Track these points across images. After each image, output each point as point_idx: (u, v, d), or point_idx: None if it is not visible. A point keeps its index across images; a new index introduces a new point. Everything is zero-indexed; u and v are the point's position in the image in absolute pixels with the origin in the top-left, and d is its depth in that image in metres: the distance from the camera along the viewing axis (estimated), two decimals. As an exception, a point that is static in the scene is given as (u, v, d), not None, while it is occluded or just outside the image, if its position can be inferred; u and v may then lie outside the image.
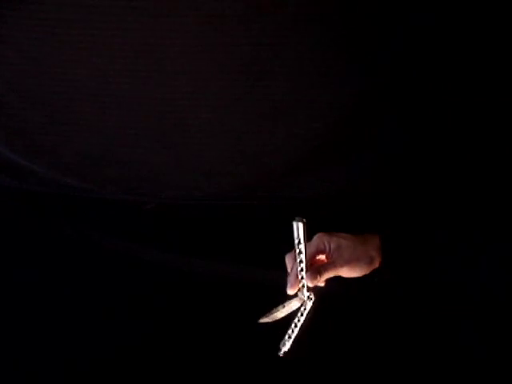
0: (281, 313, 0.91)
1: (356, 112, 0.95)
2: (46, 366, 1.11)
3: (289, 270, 0.91)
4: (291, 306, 0.91)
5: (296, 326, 0.90)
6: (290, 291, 0.90)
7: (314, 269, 0.89)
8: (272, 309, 0.91)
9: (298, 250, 0.88)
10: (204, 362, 1.11)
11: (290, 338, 0.90)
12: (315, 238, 0.92)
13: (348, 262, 0.90)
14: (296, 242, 0.88)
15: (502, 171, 0.99)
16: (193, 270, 1.16)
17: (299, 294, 0.90)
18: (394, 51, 0.89)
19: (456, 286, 0.96)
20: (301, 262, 0.89)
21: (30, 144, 1.02)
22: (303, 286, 0.90)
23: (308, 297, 0.90)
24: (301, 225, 0.87)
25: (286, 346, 0.90)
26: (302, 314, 0.91)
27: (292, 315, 0.91)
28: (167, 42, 0.89)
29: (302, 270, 0.89)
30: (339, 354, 1.10)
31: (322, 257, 0.92)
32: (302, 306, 0.91)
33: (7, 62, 0.93)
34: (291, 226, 0.88)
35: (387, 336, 1.10)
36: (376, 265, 0.92)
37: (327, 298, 0.91)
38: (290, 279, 0.90)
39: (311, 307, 0.91)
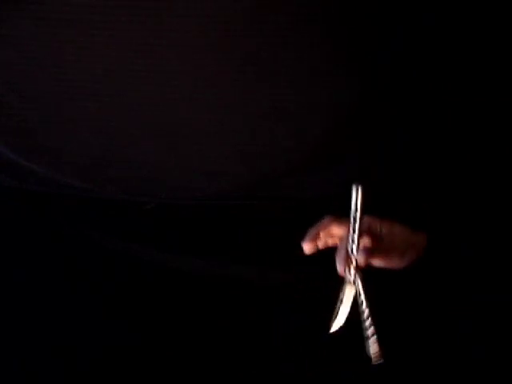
0: (344, 307, 0.77)
1: (356, 112, 0.95)
2: (46, 366, 1.11)
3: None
4: (348, 294, 0.77)
5: (366, 314, 0.76)
6: (341, 268, 0.77)
7: (366, 248, 0.77)
8: (331, 314, 0.77)
9: (352, 220, 0.75)
10: (204, 361, 1.11)
11: (371, 335, 0.77)
12: (366, 218, 0.80)
13: (401, 250, 0.80)
14: (353, 208, 0.75)
15: (502, 171, 0.99)
16: (193, 270, 1.16)
17: (347, 275, 0.76)
18: (393, 51, 0.89)
19: (455, 284, 0.96)
20: (353, 231, 0.75)
21: (30, 144, 1.02)
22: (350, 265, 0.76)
23: (355, 275, 0.75)
24: (360, 189, 0.74)
25: (372, 348, 0.77)
26: (360, 299, 0.76)
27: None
28: (167, 42, 0.89)
29: (353, 243, 0.75)
30: (336, 353, 1.10)
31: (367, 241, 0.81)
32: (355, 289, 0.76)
33: (7, 62, 0.93)
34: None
35: (385, 334, 1.10)
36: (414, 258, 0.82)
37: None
38: (340, 255, 0.77)
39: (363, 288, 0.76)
